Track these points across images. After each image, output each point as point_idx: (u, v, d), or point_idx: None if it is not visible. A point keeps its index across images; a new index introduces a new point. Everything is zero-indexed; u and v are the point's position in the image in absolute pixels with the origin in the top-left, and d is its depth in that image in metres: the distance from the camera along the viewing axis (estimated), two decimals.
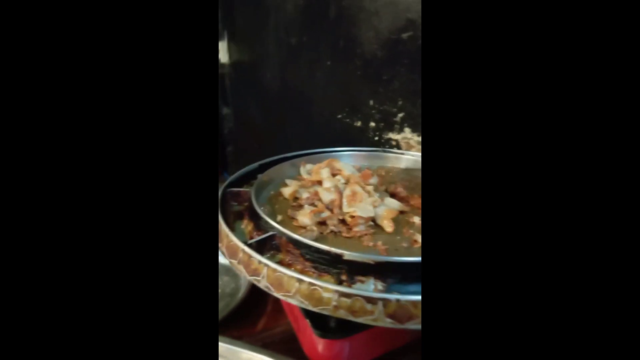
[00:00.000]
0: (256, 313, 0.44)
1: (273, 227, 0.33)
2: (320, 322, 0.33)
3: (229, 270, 0.50)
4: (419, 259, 0.29)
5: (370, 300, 0.25)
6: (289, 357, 0.34)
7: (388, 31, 0.65)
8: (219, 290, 0.47)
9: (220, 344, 0.36)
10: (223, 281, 0.48)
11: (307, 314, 0.34)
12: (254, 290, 0.45)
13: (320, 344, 0.34)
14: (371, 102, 0.72)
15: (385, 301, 0.25)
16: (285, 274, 0.27)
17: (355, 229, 0.38)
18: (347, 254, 0.29)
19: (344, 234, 0.37)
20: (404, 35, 0.63)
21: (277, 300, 0.45)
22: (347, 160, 0.54)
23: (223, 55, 1.33)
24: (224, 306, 0.44)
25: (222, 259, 0.52)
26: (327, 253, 0.29)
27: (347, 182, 0.45)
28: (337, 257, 0.29)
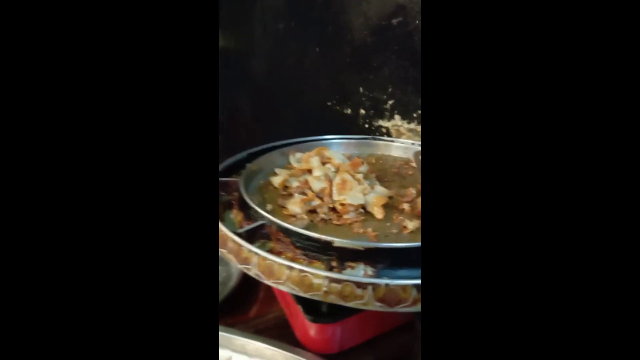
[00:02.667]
0: (248, 300, 0.44)
1: (263, 216, 0.33)
2: (312, 307, 0.33)
3: (220, 259, 0.50)
4: (408, 244, 0.29)
5: (360, 285, 0.25)
6: (282, 342, 0.35)
7: (377, 17, 0.65)
8: None
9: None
10: None
11: (299, 299, 0.34)
12: (245, 278, 0.45)
13: (312, 329, 0.35)
14: (361, 90, 0.71)
15: (375, 286, 0.25)
16: (275, 261, 0.27)
17: (346, 216, 0.38)
18: (337, 241, 0.29)
19: (334, 222, 0.37)
20: (394, 21, 0.62)
21: (269, 287, 0.46)
22: (337, 148, 0.54)
23: None
24: None
25: None
26: (317, 240, 0.30)
27: (337, 171, 0.45)
28: (327, 244, 0.29)
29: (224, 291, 0.44)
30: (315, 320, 0.33)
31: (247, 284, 0.45)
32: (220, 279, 0.47)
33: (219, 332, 0.36)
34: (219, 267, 0.49)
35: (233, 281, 0.45)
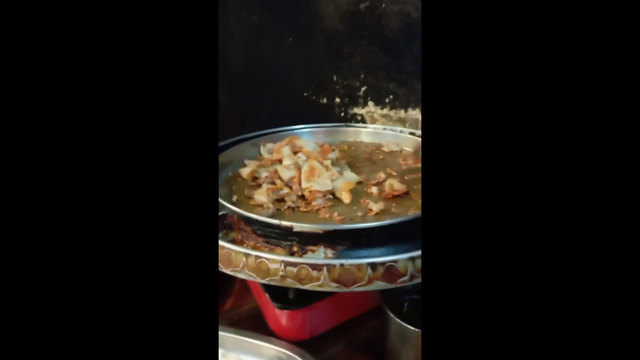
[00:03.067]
0: (224, 293, 0.44)
1: (224, 207, 0.33)
2: (280, 295, 0.33)
3: None
4: (366, 224, 0.29)
5: (315, 267, 0.25)
6: (256, 332, 0.35)
7: (346, 3, 0.64)
8: None
9: None
10: None
11: (267, 288, 0.34)
12: (221, 272, 0.45)
13: (281, 316, 0.35)
14: (335, 78, 0.71)
15: (330, 266, 0.25)
16: (232, 249, 0.27)
17: (314, 203, 0.38)
18: (297, 226, 0.29)
19: (302, 209, 0.37)
20: (362, 6, 0.61)
21: (244, 279, 0.46)
22: (310, 137, 0.54)
23: None
24: None
25: None
26: (277, 227, 0.29)
27: (307, 159, 0.44)
28: (287, 230, 0.29)
29: None
30: (283, 307, 0.33)
31: (222, 278, 0.45)
32: None
33: None
34: None
35: None
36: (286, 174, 0.41)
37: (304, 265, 0.25)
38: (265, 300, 0.36)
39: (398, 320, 0.30)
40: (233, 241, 0.30)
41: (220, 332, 0.36)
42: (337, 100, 0.72)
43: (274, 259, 0.26)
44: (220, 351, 0.36)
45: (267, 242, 0.30)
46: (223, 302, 0.43)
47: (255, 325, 0.39)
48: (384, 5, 0.58)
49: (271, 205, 0.37)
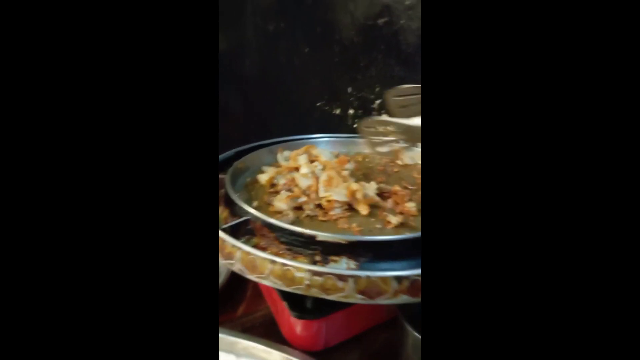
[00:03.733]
0: (236, 298, 0.44)
1: (247, 212, 0.33)
2: (297, 304, 0.33)
3: None
4: (389, 237, 0.30)
5: (342, 277, 0.25)
6: (269, 340, 0.35)
7: (364, 17, 0.65)
8: None
9: None
10: None
11: (284, 296, 0.34)
12: (233, 276, 0.45)
13: (297, 325, 0.35)
14: (349, 89, 0.72)
15: (356, 278, 0.25)
16: (258, 255, 0.27)
17: (331, 212, 0.39)
18: (320, 235, 0.29)
19: (320, 218, 0.37)
20: (380, 21, 0.63)
21: (256, 285, 0.46)
22: (325, 146, 0.54)
23: None
24: None
25: None
26: (301, 235, 0.30)
27: (324, 168, 0.45)
28: (311, 239, 0.30)
29: None
30: (300, 316, 0.33)
31: (236, 282, 0.45)
32: None
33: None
34: None
35: (221, 279, 0.45)
36: (304, 182, 0.42)
37: (330, 276, 0.25)
38: (281, 308, 0.36)
39: (415, 332, 0.30)
40: (255, 247, 0.31)
41: (232, 338, 0.36)
42: (351, 111, 0.73)
43: (300, 268, 0.26)
44: (231, 357, 0.36)
45: (289, 250, 0.30)
46: (235, 308, 0.43)
47: (268, 332, 0.39)
48: (402, 21, 0.59)
49: (290, 213, 0.37)
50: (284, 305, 0.34)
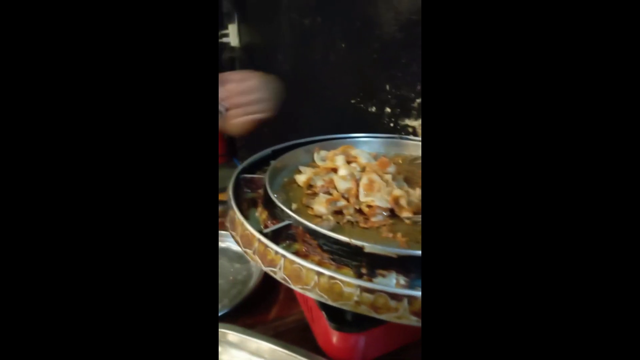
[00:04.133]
0: (269, 301, 0.43)
1: (289, 216, 0.31)
2: (336, 315, 0.32)
3: (241, 257, 0.49)
4: None
5: (395, 296, 0.23)
6: (301, 347, 0.34)
7: (408, 12, 0.62)
8: (231, 278, 0.46)
9: (231, 332, 0.36)
10: (235, 268, 0.48)
11: (323, 305, 0.33)
12: (266, 277, 0.44)
13: (335, 337, 0.33)
14: (387, 87, 0.69)
15: (411, 298, 0.23)
16: (303, 266, 0.26)
17: (373, 219, 0.36)
18: (368, 247, 0.27)
19: (361, 224, 0.35)
20: None
21: (289, 288, 0.45)
22: (363, 146, 0.52)
23: (233, 39, 1.30)
24: (236, 294, 0.43)
25: (234, 246, 0.52)
26: (347, 245, 0.28)
27: (363, 170, 0.43)
28: (357, 250, 0.28)
29: (243, 291, 0.43)
30: (339, 328, 0.31)
31: (268, 284, 0.44)
32: (240, 277, 0.46)
33: (238, 334, 0.35)
34: (239, 266, 0.48)
35: (253, 281, 0.44)
36: (342, 184, 0.40)
37: (382, 294, 0.23)
38: (318, 316, 0.34)
39: None
40: (296, 254, 0.29)
41: (264, 343, 0.35)
42: (388, 110, 0.70)
43: (350, 283, 0.24)
44: None
45: (333, 260, 0.28)
46: (268, 311, 0.42)
47: (301, 338, 0.38)
48: None
49: (331, 218, 0.36)
50: (321, 314, 0.33)
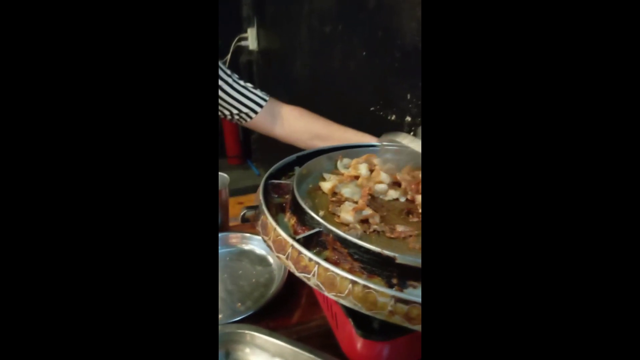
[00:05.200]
0: (291, 305, 0.44)
1: (319, 223, 0.32)
2: (363, 322, 0.32)
3: (262, 260, 0.50)
4: None
5: None
6: (325, 352, 0.34)
7: None
8: (253, 280, 0.47)
9: (254, 333, 0.36)
10: (257, 271, 0.49)
11: (349, 312, 0.33)
12: (288, 281, 0.45)
13: (360, 343, 0.33)
14: (409, 96, 0.69)
15: None
16: (338, 274, 0.26)
17: (399, 229, 0.37)
18: (400, 257, 0.28)
19: (387, 234, 0.36)
20: None
21: (311, 292, 0.45)
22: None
23: (252, 42, 1.32)
24: (259, 296, 0.44)
25: (257, 249, 0.53)
26: (378, 255, 0.28)
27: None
28: (389, 260, 0.28)
29: (266, 294, 0.44)
30: (366, 336, 0.32)
31: (289, 288, 0.44)
32: (262, 280, 0.47)
33: (261, 335, 0.36)
34: (260, 269, 0.49)
35: (276, 284, 0.45)
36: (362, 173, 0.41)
37: (417, 305, 0.24)
38: (343, 323, 0.35)
39: None
40: (327, 261, 0.30)
41: (287, 346, 0.36)
42: (408, 118, 0.70)
43: (385, 293, 0.25)
44: None
45: (363, 269, 0.29)
46: (290, 315, 0.43)
47: (323, 345, 0.38)
48: None
49: (358, 227, 0.36)
50: (347, 321, 0.33)
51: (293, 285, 0.45)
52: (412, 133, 0.69)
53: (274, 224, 0.32)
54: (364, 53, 0.79)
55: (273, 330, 0.38)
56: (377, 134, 0.79)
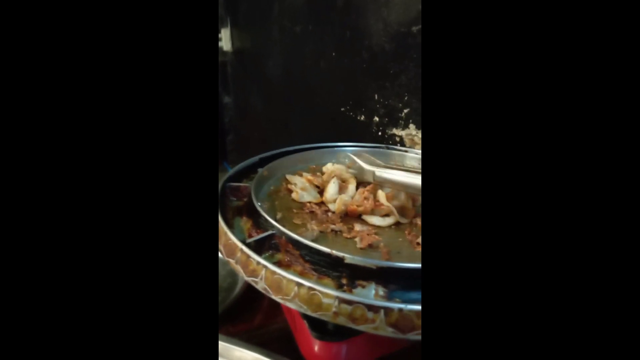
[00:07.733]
0: (253, 309, 0.43)
1: (273, 226, 0.32)
2: (318, 324, 0.32)
3: (225, 265, 0.49)
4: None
5: (372, 308, 0.24)
6: (284, 356, 0.34)
7: (397, 24, 0.63)
8: None
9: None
10: (220, 275, 0.48)
11: (305, 315, 0.33)
12: (250, 286, 0.44)
13: (317, 346, 0.33)
14: (376, 97, 0.70)
15: (387, 310, 0.24)
16: (284, 276, 0.26)
17: (357, 228, 0.37)
18: (349, 258, 0.28)
19: (345, 234, 0.36)
20: (414, 29, 0.60)
21: None
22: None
23: (225, 43, 1.30)
24: (220, 301, 0.43)
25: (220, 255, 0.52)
26: (328, 255, 0.28)
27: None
28: (338, 260, 0.28)
29: (227, 298, 0.43)
30: (320, 337, 0.32)
31: (252, 292, 0.44)
32: (225, 285, 0.46)
33: (221, 342, 0.35)
34: (224, 273, 0.48)
35: (238, 289, 0.45)
36: (330, 192, 0.41)
37: (360, 305, 0.24)
38: (300, 326, 0.35)
39: None
40: (279, 263, 0.30)
41: (247, 351, 0.35)
42: (376, 119, 0.71)
43: (329, 294, 0.25)
44: None
45: (314, 270, 0.29)
46: (252, 319, 0.42)
47: (285, 348, 0.38)
48: None
49: (315, 228, 0.36)
50: (304, 323, 0.33)
51: (255, 290, 0.44)
52: (379, 133, 0.70)
53: (224, 227, 0.32)
54: (334, 53, 0.80)
55: (234, 335, 0.38)
56: (347, 134, 0.79)
